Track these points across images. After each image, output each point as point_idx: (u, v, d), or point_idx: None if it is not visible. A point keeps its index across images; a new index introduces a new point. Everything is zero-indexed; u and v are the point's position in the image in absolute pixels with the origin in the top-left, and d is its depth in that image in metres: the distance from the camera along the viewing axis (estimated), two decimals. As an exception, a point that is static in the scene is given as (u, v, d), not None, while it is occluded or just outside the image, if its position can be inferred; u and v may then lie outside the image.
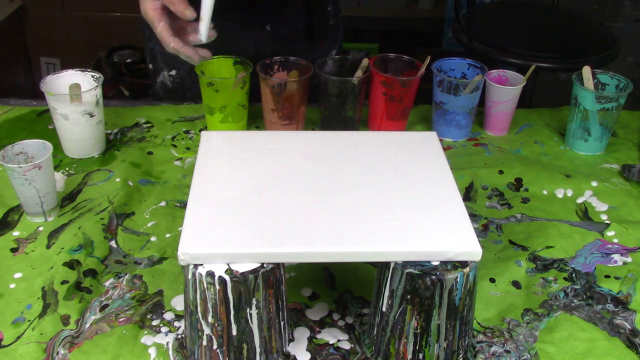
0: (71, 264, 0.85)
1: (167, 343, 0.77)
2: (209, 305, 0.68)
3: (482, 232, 0.96)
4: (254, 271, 0.67)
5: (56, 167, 1.04)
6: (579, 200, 1.03)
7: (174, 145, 1.12)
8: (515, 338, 0.79)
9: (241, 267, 0.67)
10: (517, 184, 1.06)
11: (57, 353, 0.74)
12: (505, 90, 1.14)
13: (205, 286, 0.67)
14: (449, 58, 1.17)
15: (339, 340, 0.78)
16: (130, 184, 1.01)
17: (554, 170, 1.08)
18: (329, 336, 0.78)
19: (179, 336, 0.77)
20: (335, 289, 0.85)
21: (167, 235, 0.93)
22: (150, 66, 1.28)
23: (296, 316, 0.81)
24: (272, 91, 1.07)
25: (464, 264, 0.69)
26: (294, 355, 0.76)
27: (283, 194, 0.75)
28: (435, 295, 0.69)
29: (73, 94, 1.03)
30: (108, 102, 1.21)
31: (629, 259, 0.91)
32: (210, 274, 0.67)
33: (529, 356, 0.77)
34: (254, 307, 0.69)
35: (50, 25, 2.54)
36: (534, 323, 0.81)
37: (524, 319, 0.82)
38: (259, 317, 0.70)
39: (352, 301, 0.83)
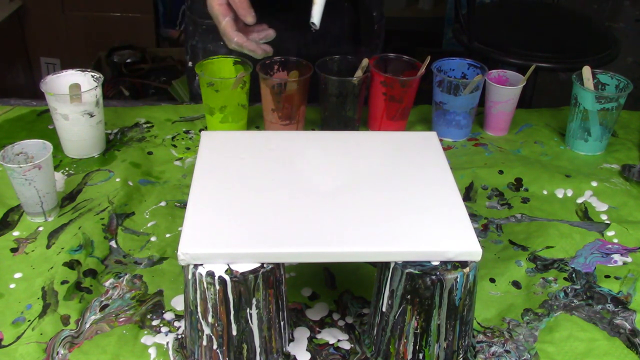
0: (71, 264, 0.85)
1: (167, 343, 0.77)
2: (209, 305, 0.68)
3: (482, 232, 0.96)
4: (254, 271, 0.67)
5: (56, 167, 1.04)
6: (579, 200, 1.03)
7: (174, 145, 1.12)
8: (515, 338, 0.79)
9: (241, 267, 0.67)
10: (517, 184, 1.06)
11: (57, 353, 0.74)
12: (505, 90, 1.14)
13: (205, 286, 0.67)
14: (449, 58, 1.17)
15: (339, 340, 0.78)
16: (130, 184, 1.01)
17: (554, 170, 1.08)
18: (329, 336, 0.78)
19: (179, 336, 0.77)
20: (335, 289, 0.85)
21: (167, 235, 0.93)
22: (190, 64, 1.27)
23: (296, 316, 0.81)
24: (272, 91, 1.07)
25: (464, 264, 0.69)
26: (294, 355, 0.76)
27: (283, 194, 0.75)
28: (435, 295, 0.69)
29: (73, 94, 1.03)
30: (108, 102, 1.21)
31: (629, 259, 0.91)
32: (210, 274, 0.67)
33: (529, 356, 0.77)
34: (254, 307, 0.69)
35: (50, 25, 2.54)
36: (534, 323, 0.81)
37: (524, 319, 0.82)
38: (259, 317, 0.70)
39: (352, 301, 0.83)
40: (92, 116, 1.04)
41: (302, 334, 0.78)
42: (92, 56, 2.52)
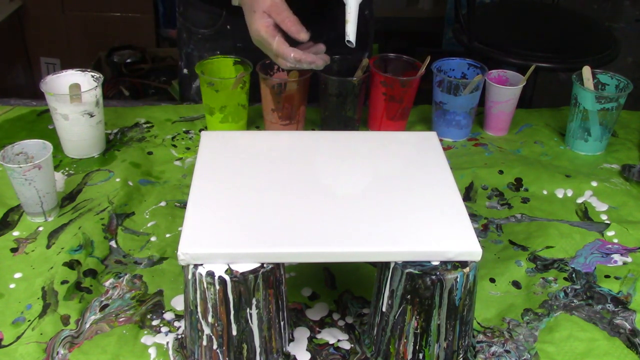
0: (71, 264, 0.85)
1: (167, 343, 0.77)
2: (209, 305, 0.68)
3: (482, 232, 0.96)
4: (254, 271, 0.67)
5: (56, 167, 1.04)
6: (579, 200, 1.03)
7: (174, 145, 1.12)
8: (515, 338, 0.79)
9: (241, 267, 0.67)
10: (517, 184, 1.06)
11: (57, 353, 0.74)
12: (505, 90, 1.14)
13: (205, 286, 0.67)
14: (449, 58, 1.17)
15: (339, 340, 0.78)
16: (130, 184, 1.01)
17: (554, 170, 1.08)
18: (329, 336, 0.78)
19: (179, 336, 0.77)
20: (335, 289, 0.85)
21: (167, 235, 0.93)
22: (186, 71, 1.27)
23: (296, 316, 0.81)
24: (272, 91, 1.07)
25: (464, 264, 0.69)
26: (294, 355, 0.76)
27: (283, 194, 0.75)
28: (435, 295, 0.69)
29: (73, 94, 1.03)
30: (108, 102, 1.21)
31: (629, 259, 0.91)
32: (210, 274, 0.67)
33: (529, 356, 0.77)
34: (254, 307, 0.69)
35: (50, 25, 2.54)
36: (534, 323, 0.81)
37: (524, 319, 0.82)
38: (259, 317, 0.70)
39: (352, 301, 0.83)
40: (92, 116, 1.04)
41: (302, 334, 0.78)
42: (92, 56, 2.52)
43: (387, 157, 0.83)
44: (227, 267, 0.67)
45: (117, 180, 1.01)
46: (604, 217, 0.99)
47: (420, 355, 0.73)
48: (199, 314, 0.69)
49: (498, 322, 0.81)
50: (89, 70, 1.08)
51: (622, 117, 1.23)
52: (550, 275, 0.88)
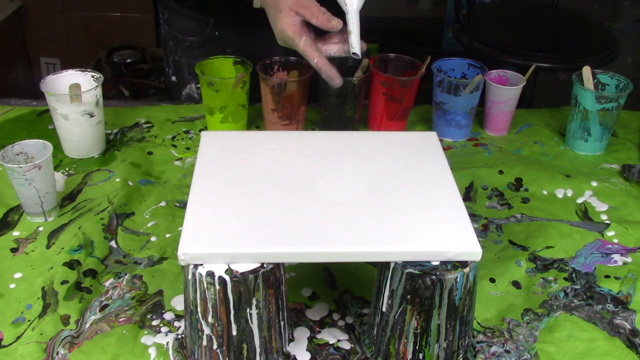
0: (71, 264, 0.85)
1: (167, 343, 0.77)
2: (209, 305, 0.68)
3: (482, 232, 0.96)
4: (254, 271, 0.67)
5: (56, 167, 1.04)
6: (579, 200, 1.03)
7: (174, 145, 1.12)
8: (515, 338, 0.79)
9: (241, 267, 0.67)
10: (517, 184, 1.06)
11: (57, 353, 0.74)
12: (505, 90, 1.14)
13: (205, 286, 0.67)
14: (449, 58, 1.17)
15: (339, 340, 0.78)
16: (130, 184, 1.01)
17: (554, 170, 1.08)
18: (329, 336, 0.78)
19: (179, 336, 0.77)
20: (335, 289, 0.85)
21: (167, 235, 0.93)
22: (174, 78, 1.26)
23: (296, 316, 0.81)
24: (272, 91, 1.07)
25: (464, 264, 0.69)
26: (294, 355, 0.76)
27: (283, 194, 0.75)
28: (435, 295, 0.69)
29: (73, 94, 1.03)
30: (108, 102, 1.21)
31: (629, 259, 0.91)
32: (210, 274, 0.67)
33: (529, 356, 0.77)
34: (254, 307, 0.69)
35: (50, 25, 2.53)
36: (534, 323, 0.81)
37: (524, 319, 0.82)
38: (259, 317, 0.70)
39: (352, 301, 0.83)
40: (92, 116, 1.04)
41: (302, 334, 0.78)
42: (92, 56, 2.52)
43: (387, 157, 0.83)
44: (227, 267, 0.67)
45: (117, 180, 1.01)
46: (604, 217, 0.99)
47: (420, 355, 0.73)
48: (199, 314, 0.69)
49: (498, 322, 0.81)
50: (89, 70, 1.08)
51: (622, 117, 1.23)
52: (550, 275, 0.88)
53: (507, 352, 0.77)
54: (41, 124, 1.15)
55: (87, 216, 0.94)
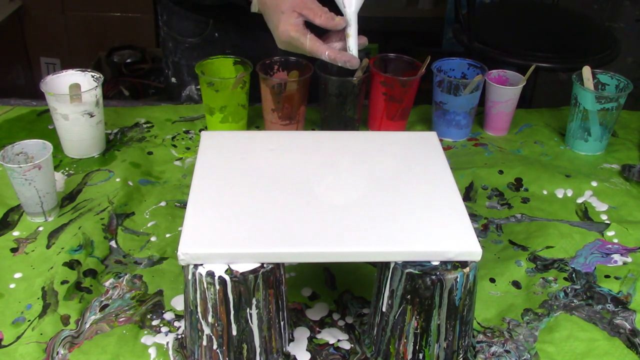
0: (71, 264, 0.85)
1: (167, 343, 0.77)
2: (209, 305, 0.68)
3: (482, 232, 0.96)
4: (254, 271, 0.67)
5: (56, 167, 1.04)
6: (579, 200, 1.03)
7: (174, 145, 1.12)
8: (515, 338, 0.79)
9: (241, 267, 0.67)
10: (517, 184, 1.06)
11: (57, 353, 0.74)
12: (505, 90, 1.14)
13: (205, 286, 0.67)
14: (449, 58, 1.17)
15: (339, 340, 0.78)
16: (130, 184, 1.01)
17: (554, 170, 1.08)
18: (329, 336, 0.78)
19: (179, 336, 0.77)
20: (335, 289, 0.85)
21: (167, 235, 0.93)
22: (174, 80, 1.26)
23: (296, 316, 0.81)
24: (272, 91, 1.07)
25: (464, 264, 0.69)
26: (294, 355, 0.76)
27: (283, 194, 0.75)
28: (435, 295, 0.69)
29: (73, 94, 1.03)
30: (108, 102, 1.21)
31: (629, 259, 0.91)
32: (210, 274, 0.67)
33: (529, 356, 0.77)
34: (254, 307, 0.69)
35: (50, 25, 2.53)
36: (534, 323, 0.81)
37: (524, 319, 0.82)
38: (259, 317, 0.70)
39: (352, 301, 0.83)
40: (92, 116, 1.04)
41: (302, 334, 0.78)
42: (92, 56, 2.52)
43: (387, 157, 0.83)
44: (227, 267, 0.67)
45: (117, 180, 1.01)
46: (604, 217, 0.99)
47: (420, 355, 0.73)
48: (199, 314, 0.69)
49: (498, 322, 0.81)
50: (89, 70, 1.08)
51: (622, 117, 1.23)
52: (550, 275, 0.88)
53: (507, 352, 0.77)
54: (41, 124, 1.15)
55: (87, 216, 0.94)
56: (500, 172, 1.07)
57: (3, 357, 0.74)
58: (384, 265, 0.70)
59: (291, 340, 0.77)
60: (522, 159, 1.11)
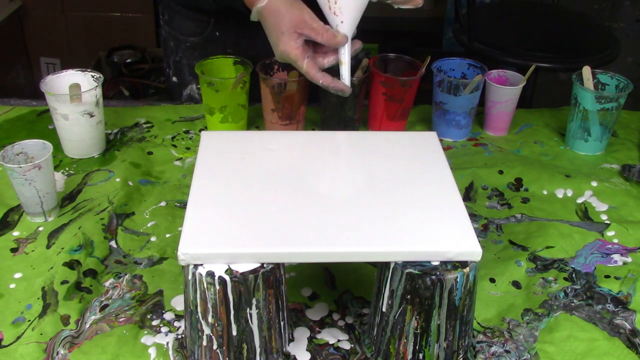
0: (71, 264, 0.85)
1: (167, 343, 0.77)
2: (209, 305, 0.68)
3: (482, 232, 0.96)
4: (254, 271, 0.67)
5: (56, 167, 1.04)
6: (579, 200, 1.03)
7: (174, 145, 1.12)
8: (515, 338, 0.79)
9: (241, 267, 0.67)
10: (517, 184, 1.06)
11: (57, 353, 0.74)
12: (505, 90, 1.14)
13: (205, 286, 0.67)
14: (449, 58, 1.17)
15: (339, 340, 0.78)
16: (130, 184, 1.01)
17: (554, 170, 1.08)
18: (329, 336, 0.78)
19: (179, 336, 0.77)
20: (335, 289, 0.85)
21: (167, 235, 0.93)
22: (175, 79, 1.26)
23: (296, 316, 0.81)
24: (272, 91, 1.07)
25: (464, 264, 0.69)
26: (294, 355, 0.76)
27: (283, 194, 0.75)
28: (435, 295, 0.69)
29: (73, 94, 1.03)
30: (108, 102, 1.21)
31: (629, 259, 0.91)
32: (210, 274, 0.67)
33: (529, 356, 0.77)
34: (254, 307, 0.69)
35: (50, 25, 2.53)
36: (534, 323, 0.81)
37: (524, 319, 0.82)
38: (259, 317, 0.70)
39: (352, 301, 0.83)
40: (92, 116, 1.04)
41: (302, 334, 0.78)
42: (92, 56, 2.52)
43: (387, 157, 0.83)
44: (227, 267, 0.67)
45: (117, 180, 1.01)
46: (604, 217, 0.99)
47: (420, 355, 0.73)
48: (199, 314, 0.69)
49: (498, 322, 0.81)
50: (89, 70, 1.08)
51: (622, 117, 1.23)
52: (550, 275, 0.88)
53: (507, 352, 0.77)
54: (41, 124, 1.15)
55: (87, 216, 0.94)
56: (500, 172, 1.07)
57: (3, 357, 0.74)
58: (384, 265, 0.70)
59: (291, 340, 0.77)
60: (522, 159, 1.11)
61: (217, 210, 0.72)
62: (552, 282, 0.87)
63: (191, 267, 0.68)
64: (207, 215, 0.71)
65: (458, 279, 0.68)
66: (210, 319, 0.69)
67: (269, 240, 0.68)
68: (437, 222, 0.72)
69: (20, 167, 0.87)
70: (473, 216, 0.98)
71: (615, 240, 0.95)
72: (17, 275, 0.84)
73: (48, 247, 0.89)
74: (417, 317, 0.70)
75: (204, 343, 0.71)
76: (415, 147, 0.85)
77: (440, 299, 0.69)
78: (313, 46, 0.93)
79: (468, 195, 1.03)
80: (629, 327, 0.81)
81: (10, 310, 0.80)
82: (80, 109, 1.03)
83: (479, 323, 0.81)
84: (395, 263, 0.69)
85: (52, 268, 0.85)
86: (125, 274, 0.86)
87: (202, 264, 0.67)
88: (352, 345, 0.77)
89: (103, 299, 0.82)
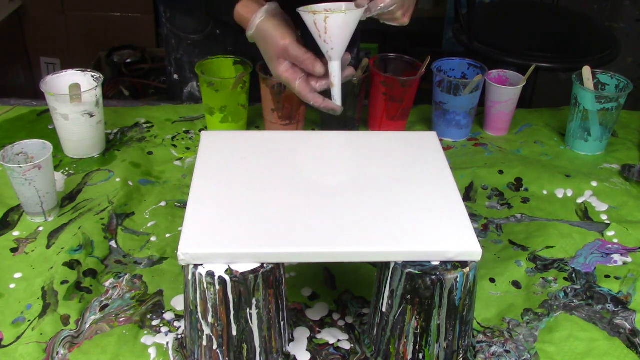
0: (71, 264, 0.85)
1: (167, 343, 0.77)
2: (209, 305, 0.68)
3: (482, 232, 0.96)
4: (254, 271, 0.67)
5: (56, 167, 1.04)
6: (579, 200, 1.03)
7: (174, 145, 1.12)
8: (515, 338, 0.79)
9: (241, 267, 0.67)
10: (517, 184, 1.06)
11: (57, 353, 0.74)
12: (505, 90, 1.14)
13: (205, 286, 0.67)
14: (449, 58, 1.17)
15: (339, 340, 0.78)
16: (130, 184, 1.01)
17: (554, 170, 1.08)
18: (329, 336, 0.78)
19: (179, 336, 0.77)
20: (335, 289, 0.85)
21: (167, 235, 0.93)
22: (176, 76, 1.26)
23: (296, 316, 0.81)
24: (272, 91, 1.07)
25: (464, 264, 0.69)
26: (294, 355, 0.76)
27: (283, 194, 0.75)
28: (435, 295, 0.69)
29: (73, 94, 1.03)
30: (108, 102, 1.21)
31: (629, 259, 0.91)
32: (210, 274, 0.67)
33: (529, 356, 0.77)
34: (254, 307, 0.69)
35: (50, 25, 2.53)
36: (534, 323, 0.81)
37: (524, 319, 0.82)
38: (259, 317, 0.70)
39: (352, 301, 0.83)
40: (92, 116, 1.04)
41: (302, 334, 0.78)
42: (92, 56, 2.52)
43: (387, 157, 0.83)
44: (227, 267, 0.67)
45: (117, 180, 1.01)
46: (604, 217, 0.99)
47: (420, 355, 0.73)
48: (199, 314, 0.69)
49: (498, 322, 0.81)
50: (89, 70, 1.08)
51: (622, 117, 1.23)
52: (550, 275, 0.88)
53: (507, 352, 0.77)
54: (41, 124, 1.15)
55: (87, 216, 0.94)
56: (500, 172, 1.07)
57: (3, 357, 0.74)
58: (384, 265, 0.70)
59: (291, 340, 0.77)
60: (522, 159, 1.11)
61: (217, 210, 0.72)
62: (552, 282, 0.87)
63: (191, 267, 0.68)
64: (207, 215, 0.71)
65: (458, 279, 0.68)
66: (210, 319, 0.69)
67: (269, 240, 0.68)
68: (437, 222, 0.72)
69: (20, 167, 0.87)
70: (473, 216, 0.98)
71: (615, 240, 0.95)
72: (17, 275, 0.84)
73: (48, 247, 0.89)
74: (417, 317, 0.70)
75: (204, 343, 0.71)
76: (415, 147, 0.85)
77: (440, 299, 0.69)
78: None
79: (468, 195, 1.03)
80: (629, 327, 0.81)
81: (10, 310, 0.80)
82: (80, 109, 1.03)
83: (479, 323, 0.81)
84: (395, 263, 0.69)
85: (52, 268, 0.85)
86: (125, 274, 0.86)
87: (202, 264, 0.67)
88: (352, 345, 0.77)
89: (103, 299, 0.82)
